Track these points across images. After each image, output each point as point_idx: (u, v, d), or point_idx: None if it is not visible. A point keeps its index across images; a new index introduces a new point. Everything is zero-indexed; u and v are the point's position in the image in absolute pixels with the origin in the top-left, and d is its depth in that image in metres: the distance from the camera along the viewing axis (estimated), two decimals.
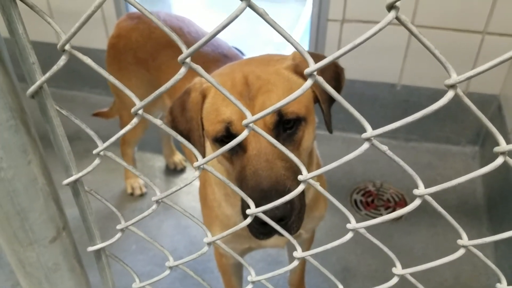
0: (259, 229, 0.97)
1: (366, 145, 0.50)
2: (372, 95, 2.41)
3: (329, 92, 0.49)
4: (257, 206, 0.64)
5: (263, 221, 0.67)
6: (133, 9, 2.58)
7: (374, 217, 2.14)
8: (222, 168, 1.13)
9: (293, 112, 0.97)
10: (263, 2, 4.03)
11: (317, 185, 0.59)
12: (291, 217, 0.94)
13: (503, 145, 0.45)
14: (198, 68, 0.48)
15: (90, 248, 0.73)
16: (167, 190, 0.77)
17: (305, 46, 2.40)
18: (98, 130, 2.74)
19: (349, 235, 0.59)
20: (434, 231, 2.03)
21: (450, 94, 0.44)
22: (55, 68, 0.49)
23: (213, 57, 1.58)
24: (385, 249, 0.60)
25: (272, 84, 0.98)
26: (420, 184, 0.52)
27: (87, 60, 0.49)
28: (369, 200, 2.24)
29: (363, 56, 2.29)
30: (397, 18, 0.42)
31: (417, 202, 0.53)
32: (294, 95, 0.48)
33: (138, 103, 0.51)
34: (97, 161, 0.60)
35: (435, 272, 1.90)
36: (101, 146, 0.58)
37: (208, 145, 1.12)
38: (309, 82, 0.46)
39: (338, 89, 1.18)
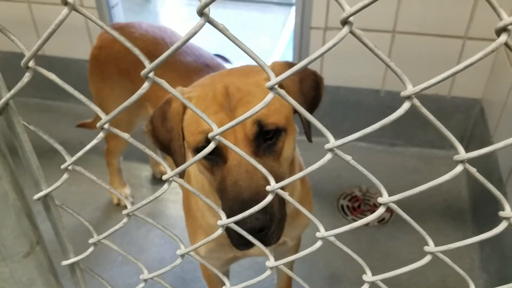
0: (239, 240, 0.98)
1: (329, 156, 0.51)
2: (357, 101, 2.43)
3: (293, 105, 0.50)
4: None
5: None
6: (117, 20, 2.59)
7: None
8: (205, 179, 1.13)
9: (273, 123, 0.98)
10: (249, 10, 4.05)
11: (286, 194, 0.59)
12: (271, 227, 0.95)
13: (462, 154, 0.46)
14: (163, 82, 0.49)
15: (64, 263, 0.73)
16: (154, 201, 0.76)
17: (289, 53, 2.42)
18: (83, 140, 2.75)
19: (319, 243, 0.60)
20: (419, 236, 2.02)
21: (406, 105, 0.45)
22: (19, 85, 0.49)
23: (195, 67, 1.59)
24: (355, 256, 0.61)
25: (252, 95, 1.00)
26: (384, 193, 0.53)
27: (52, 76, 0.49)
28: (355, 205, 2.25)
29: (347, 62, 2.31)
30: (351, 32, 0.43)
31: (381, 210, 0.54)
32: (256, 109, 0.48)
33: (104, 117, 0.52)
34: (65, 176, 0.60)
35: (421, 276, 1.91)
36: (69, 160, 0.58)
37: (190, 155, 1.13)
38: (270, 96, 0.47)
39: (317, 97, 1.19)
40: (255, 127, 0.97)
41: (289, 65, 1.12)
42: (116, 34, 0.46)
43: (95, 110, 0.53)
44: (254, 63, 0.48)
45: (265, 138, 1.00)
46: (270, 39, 3.70)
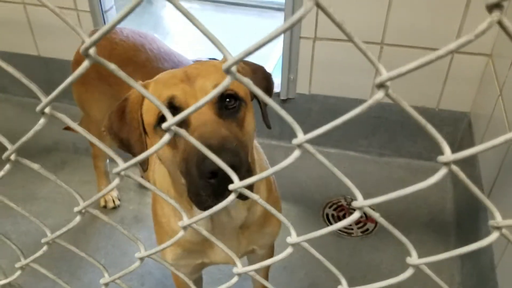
0: (209, 189, 0.93)
1: (297, 152, 0.50)
2: (345, 111, 2.41)
3: (248, 85, 0.48)
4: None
5: (212, 177, 0.74)
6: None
7: (345, 232, 2.17)
8: (164, 171, 1.16)
9: (232, 89, 1.03)
10: (247, 15, 4.05)
11: (250, 193, 0.59)
12: (241, 170, 0.90)
13: (447, 155, 0.45)
14: (128, 78, 0.50)
15: (17, 265, 0.73)
16: (140, 203, 0.77)
17: (279, 61, 2.43)
18: (75, 142, 2.75)
19: (289, 249, 0.60)
20: (403, 248, 2.02)
21: (379, 95, 0.44)
22: (31, 133, 0.50)
23: None
24: (329, 265, 0.62)
25: (210, 71, 1.05)
26: (359, 196, 0.53)
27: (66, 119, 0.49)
28: (340, 215, 2.26)
29: (336, 72, 2.33)
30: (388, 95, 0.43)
31: (356, 215, 0.53)
32: (217, 90, 0.48)
33: (44, 100, 0.52)
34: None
35: (401, 287, 1.91)
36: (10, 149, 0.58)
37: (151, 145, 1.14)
38: (228, 79, 0.46)
39: (269, 88, 1.25)
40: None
41: (251, 65, 1.21)
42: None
43: (112, 156, 0.54)
44: None
45: (227, 106, 1.03)
46: (267, 44, 3.70)
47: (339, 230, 2.18)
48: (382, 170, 2.47)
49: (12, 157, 0.57)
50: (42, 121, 0.50)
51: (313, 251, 0.64)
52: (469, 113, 2.31)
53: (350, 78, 2.33)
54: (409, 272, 0.54)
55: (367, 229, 2.18)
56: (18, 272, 0.76)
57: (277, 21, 3.99)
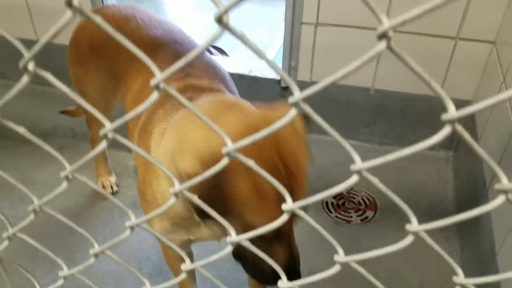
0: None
1: (293, 111, 0.46)
2: (346, 99, 2.42)
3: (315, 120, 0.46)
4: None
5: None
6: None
7: (344, 220, 2.16)
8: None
9: None
10: (249, 2, 4.01)
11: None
12: None
13: (451, 112, 0.41)
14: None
15: None
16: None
17: (281, 48, 2.41)
18: (74, 127, 2.74)
19: (285, 216, 0.57)
20: (402, 236, 2.02)
21: (381, 46, 0.41)
22: (14, 90, 0.48)
23: (162, 41, 1.57)
24: (326, 234, 0.59)
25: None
26: (357, 159, 0.48)
27: (49, 77, 0.47)
28: (340, 203, 2.24)
29: (338, 59, 2.30)
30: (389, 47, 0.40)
31: (354, 179, 0.50)
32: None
33: (108, 126, 0.50)
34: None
35: (400, 276, 1.91)
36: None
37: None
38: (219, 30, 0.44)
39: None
40: None
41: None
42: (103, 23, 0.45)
43: (99, 117, 0.51)
44: None
45: None
46: (268, 32, 3.68)
47: (338, 218, 2.16)
48: None
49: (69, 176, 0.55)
50: (25, 78, 0.47)
51: (252, 247, 0.61)
52: (472, 101, 2.29)
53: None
54: (408, 239, 0.52)
55: (367, 217, 2.17)
56: (6, 242, 0.74)
57: (278, 9, 3.96)
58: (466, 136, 0.43)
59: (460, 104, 2.10)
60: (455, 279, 0.50)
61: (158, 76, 0.45)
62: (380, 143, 2.53)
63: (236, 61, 2.62)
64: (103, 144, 0.52)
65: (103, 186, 2.27)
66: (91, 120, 2.07)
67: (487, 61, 2.16)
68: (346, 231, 2.11)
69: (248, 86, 2.52)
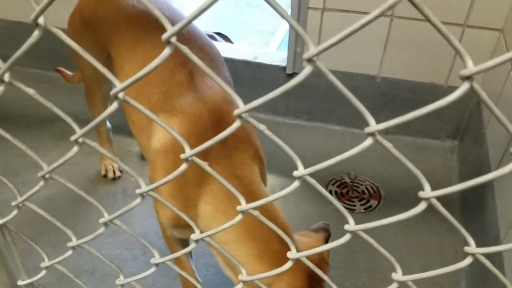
0: None
1: (309, 68, 0.46)
2: (353, 87, 2.40)
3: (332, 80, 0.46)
4: None
5: None
6: None
7: (348, 209, 2.15)
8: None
9: None
10: None
11: None
12: None
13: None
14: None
15: None
16: (142, 174, 0.76)
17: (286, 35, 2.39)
18: (76, 113, 2.74)
19: (193, 245, 0.58)
20: (406, 224, 2.03)
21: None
22: (25, 46, 0.46)
23: (149, 15, 1.54)
24: (329, 196, 0.59)
25: None
26: (371, 121, 0.49)
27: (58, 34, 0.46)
28: (344, 192, 2.24)
29: (344, 46, 2.28)
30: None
31: (368, 142, 0.49)
32: None
33: (119, 85, 0.50)
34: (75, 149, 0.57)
35: (403, 265, 1.90)
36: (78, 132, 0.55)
37: None
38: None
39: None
40: None
41: None
42: None
43: (110, 78, 0.50)
44: None
45: None
46: (274, 19, 3.65)
47: (344, 206, 2.15)
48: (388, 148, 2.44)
49: (6, 77, 0.54)
50: (36, 33, 0.46)
51: (216, 245, 0.61)
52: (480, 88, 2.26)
53: (359, 53, 2.28)
54: (421, 206, 0.51)
55: (370, 206, 2.16)
56: (15, 211, 0.74)
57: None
58: (483, 94, 0.43)
59: (467, 93, 2.06)
60: (467, 249, 0.50)
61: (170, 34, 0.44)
62: (385, 132, 2.51)
63: (241, 47, 2.60)
64: (114, 105, 0.51)
65: (107, 170, 2.27)
66: (89, 92, 2.03)
67: (495, 49, 2.13)
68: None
69: (253, 72, 2.50)
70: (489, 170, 1.87)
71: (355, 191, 2.24)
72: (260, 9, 3.76)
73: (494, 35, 2.10)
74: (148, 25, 1.50)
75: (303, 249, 1.17)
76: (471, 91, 0.40)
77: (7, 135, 0.61)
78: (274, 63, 2.49)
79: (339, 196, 2.21)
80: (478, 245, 1.76)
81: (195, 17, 0.41)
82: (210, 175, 0.61)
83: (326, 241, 1.33)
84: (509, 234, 1.59)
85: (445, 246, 1.96)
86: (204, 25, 3.53)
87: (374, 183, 2.26)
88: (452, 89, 2.27)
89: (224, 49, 2.55)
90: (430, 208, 1.98)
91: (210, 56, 1.52)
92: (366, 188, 2.24)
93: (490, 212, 1.78)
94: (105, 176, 2.28)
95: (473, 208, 2.00)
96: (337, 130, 2.56)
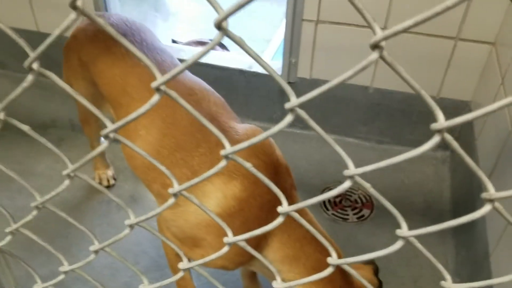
0: None
1: (289, 117, 0.47)
2: (346, 97, 2.42)
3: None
4: None
5: None
6: (112, 9, 2.56)
7: (341, 218, 2.16)
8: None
9: None
10: None
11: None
12: None
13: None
14: (177, 97, 0.48)
15: None
16: (136, 182, 0.77)
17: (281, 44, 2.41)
18: (72, 119, 2.75)
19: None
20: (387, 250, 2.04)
21: (374, 55, 0.43)
22: (19, 90, 0.48)
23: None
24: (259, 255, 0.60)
25: None
26: (350, 165, 0.54)
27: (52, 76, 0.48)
28: (337, 201, 2.25)
29: (338, 57, 2.30)
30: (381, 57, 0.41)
31: (347, 184, 0.52)
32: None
33: (110, 126, 0.51)
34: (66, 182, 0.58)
35: (394, 274, 1.92)
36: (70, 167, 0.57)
37: None
38: (219, 35, 0.45)
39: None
40: None
41: None
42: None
43: (100, 117, 0.52)
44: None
45: None
46: (269, 27, 3.67)
47: (335, 215, 2.17)
48: (380, 158, 2.44)
49: (1, 116, 0.55)
50: (30, 78, 0.48)
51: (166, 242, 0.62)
52: (470, 102, 2.29)
53: (352, 64, 2.28)
54: (398, 244, 0.52)
55: (363, 215, 2.18)
56: (9, 237, 0.75)
57: (279, 4, 3.96)
58: (455, 145, 0.44)
59: (458, 105, 2.12)
60: (443, 283, 0.51)
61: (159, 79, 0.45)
62: (379, 142, 2.53)
63: (236, 56, 2.62)
64: (104, 144, 0.53)
65: (100, 179, 2.28)
66: (83, 118, 2.05)
67: (486, 62, 2.16)
68: (342, 228, 2.12)
69: (248, 81, 2.52)
70: (480, 183, 1.89)
71: (348, 200, 2.25)
72: (255, 18, 3.79)
73: (486, 48, 2.13)
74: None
75: (361, 283, 1.25)
76: (443, 141, 0.42)
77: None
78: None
79: (332, 205, 2.23)
80: (468, 257, 1.79)
81: (186, 67, 0.43)
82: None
83: (375, 272, 1.42)
84: (497, 248, 1.61)
85: (435, 256, 1.97)
86: (200, 33, 3.56)
87: (367, 192, 2.28)
88: (443, 100, 2.30)
89: (219, 58, 2.56)
90: (424, 218, 2.02)
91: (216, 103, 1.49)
92: (359, 198, 2.26)
93: (479, 226, 1.80)
94: (99, 184, 2.29)
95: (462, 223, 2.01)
96: (331, 138, 2.57)
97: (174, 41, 3.16)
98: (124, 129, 1.50)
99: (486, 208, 0.44)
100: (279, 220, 0.53)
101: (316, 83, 2.43)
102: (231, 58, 2.59)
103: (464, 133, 2.28)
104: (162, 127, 1.38)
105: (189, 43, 3.19)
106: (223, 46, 3.30)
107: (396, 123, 2.45)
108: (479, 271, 1.72)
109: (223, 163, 0.51)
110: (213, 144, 1.32)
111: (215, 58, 2.57)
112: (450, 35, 2.13)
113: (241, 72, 2.51)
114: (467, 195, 2.05)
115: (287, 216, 1.26)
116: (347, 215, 2.19)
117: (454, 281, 1.92)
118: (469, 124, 2.22)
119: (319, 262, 1.27)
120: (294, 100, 0.46)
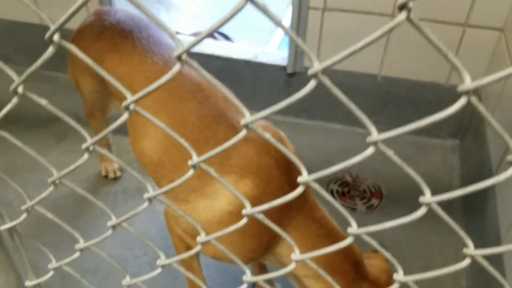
0: None
1: (313, 82, 0.46)
2: (354, 86, 2.40)
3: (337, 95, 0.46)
4: None
5: None
6: (117, 5, 2.54)
7: (349, 208, 2.15)
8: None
9: None
10: None
11: None
12: None
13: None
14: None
15: (2, 227, 0.72)
16: (143, 176, 0.76)
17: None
18: (77, 112, 2.74)
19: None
20: (407, 223, 2.03)
21: (402, 15, 0.41)
22: (40, 61, 0.47)
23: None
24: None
25: None
26: (373, 131, 0.49)
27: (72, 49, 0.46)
28: (345, 191, 2.24)
29: (346, 45, 2.27)
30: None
31: (370, 150, 0.50)
32: None
33: (130, 98, 0.50)
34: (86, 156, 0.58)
35: (404, 263, 1.90)
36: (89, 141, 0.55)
37: None
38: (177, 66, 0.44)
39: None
40: None
41: None
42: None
43: (122, 90, 0.51)
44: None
45: None
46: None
47: (344, 205, 2.16)
48: (388, 147, 2.43)
49: (20, 89, 0.54)
50: (50, 49, 0.48)
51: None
52: (480, 90, 2.26)
53: (360, 52, 2.27)
54: (421, 211, 0.52)
55: (372, 205, 2.16)
56: (24, 215, 0.75)
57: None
58: (481, 108, 0.43)
59: (465, 105, 2.06)
60: (466, 250, 0.50)
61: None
62: (387, 131, 2.51)
63: (241, 46, 2.60)
64: (125, 116, 0.52)
65: (107, 171, 2.27)
66: (89, 113, 2.04)
67: (495, 48, 2.13)
68: (352, 218, 2.10)
69: (253, 72, 2.50)
70: (490, 169, 1.87)
71: (356, 190, 2.24)
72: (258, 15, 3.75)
73: (494, 35, 2.10)
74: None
75: (375, 272, 1.31)
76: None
77: (12, 138, 0.61)
78: (274, 63, 2.49)
79: (341, 195, 2.21)
80: (479, 244, 1.77)
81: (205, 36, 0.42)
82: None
83: (386, 259, 1.43)
84: (509, 233, 1.59)
85: (446, 245, 1.96)
86: (203, 24, 3.54)
87: (376, 182, 2.26)
88: (452, 87, 2.27)
89: (224, 48, 2.55)
90: (431, 210, 1.97)
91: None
92: (368, 187, 2.24)
93: (491, 212, 1.78)
94: (106, 176, 2.28)
95: (475, 207, 2.00)
96: (338, 128, 2.56)
97: (177, 33, 3.15)
98: (132, 127, 1.50)
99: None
100: (299, 189, 0.52)
101: (323, 72, 2.41)
102: (236, 49, 2.57)
103: (474, 121, 2.26)
104: (170, 125, 1.37)
105: (194, 35, 3.18)
106: (227, 38, 3.28)
107: (405, 112, 2.43)
108: (490, 257, 1.70)
109: (243, 132, 0.51)
110: (222, 140, 1.31)
111: (220, 48, 2.55)
112: (459, 21, 2.10)
113: (246, 62, 2.49)
114: (476, 182, 2.03)
115: (301, 213, 1.26)
116: (356, 205, 2.17)
117: (465, 268, 1.90)
118: (479, 112, 2.19)
119: (332, 259, 1.26)
120: (317, 66, 0.44)
